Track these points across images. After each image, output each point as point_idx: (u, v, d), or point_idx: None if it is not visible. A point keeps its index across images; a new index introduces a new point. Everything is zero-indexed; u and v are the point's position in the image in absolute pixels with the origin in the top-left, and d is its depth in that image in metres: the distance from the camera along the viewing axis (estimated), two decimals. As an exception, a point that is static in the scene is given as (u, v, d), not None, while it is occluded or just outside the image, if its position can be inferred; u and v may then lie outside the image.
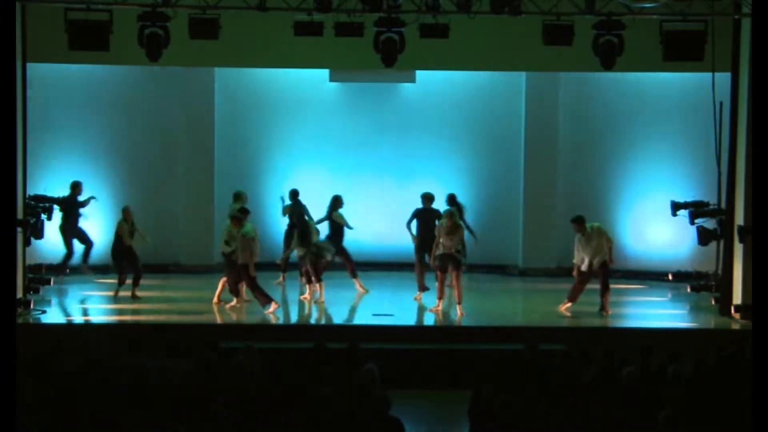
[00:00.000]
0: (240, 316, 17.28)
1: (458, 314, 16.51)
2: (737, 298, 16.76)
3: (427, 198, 18.28)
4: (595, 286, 17.23)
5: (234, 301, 17.04)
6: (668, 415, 9.96)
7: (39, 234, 17.09)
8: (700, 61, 16.66)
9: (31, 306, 16.70)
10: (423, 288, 17.90)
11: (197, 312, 16.78)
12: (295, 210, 18.58)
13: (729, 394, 11.08)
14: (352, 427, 10.36)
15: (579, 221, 16.87)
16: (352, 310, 17.39)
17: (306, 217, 18.17)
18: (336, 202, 18.58)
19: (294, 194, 19.06)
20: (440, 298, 16.82)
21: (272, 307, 16.64)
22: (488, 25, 17.25)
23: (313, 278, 17.67)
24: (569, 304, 16.90)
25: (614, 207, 20.24)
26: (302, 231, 17.74)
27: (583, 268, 16.74)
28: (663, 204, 19.23)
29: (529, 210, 21.24)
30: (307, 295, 17.89)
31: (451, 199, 18.71)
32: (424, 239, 17.82)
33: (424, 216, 18.14)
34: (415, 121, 21.54)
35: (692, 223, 18.15)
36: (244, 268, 16.72)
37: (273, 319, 16.36)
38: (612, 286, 17.02)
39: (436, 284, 16.90)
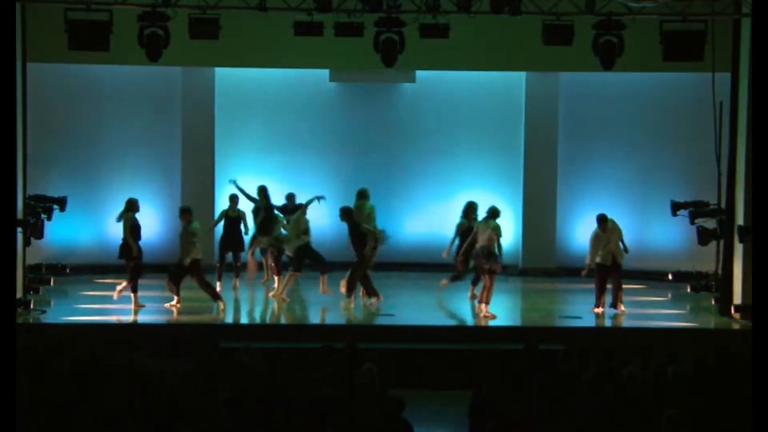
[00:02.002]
0: (240, 316, 17.33)
1: (489, 316, 16.55)
2: (737, 298, 16.76)
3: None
4: (590, 285, 17.29)
5: (174, 300, 17.01)
6: (671, 415, 9.97)
7: (39, 234, 17.08)
8: (700, 61, 16.66)
9: (31, 306, 16.69)
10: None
11: (197, 312, 16.78)
12: (262, 204, 18.60)
13: (729, 394, 11.08)
14: (354, 427, 10.37)
15: (604, 219, 16.92)
16: (352, 310, 17.35)
17: (274, 211, 18.44)
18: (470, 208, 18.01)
19: (262, 190, 18.85)
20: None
21: (221, 305, 16.85)
22: (488, 25, 17.28)
23: (274, 271, 17.98)
24: (601, 309, 16.89)
25: (614, 207, 20.19)
26: (264, 222, 18.06)
27: (601, 261, 16.78)
28: (663, 204, 19.23)
29: (529, 210, 21.23)
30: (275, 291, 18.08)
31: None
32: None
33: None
34: (415, 121, 21.53)
35: (692, 223, 18.13)
36: (195, 263, 16.78)
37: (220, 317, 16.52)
38: (611, 286, 17.04)
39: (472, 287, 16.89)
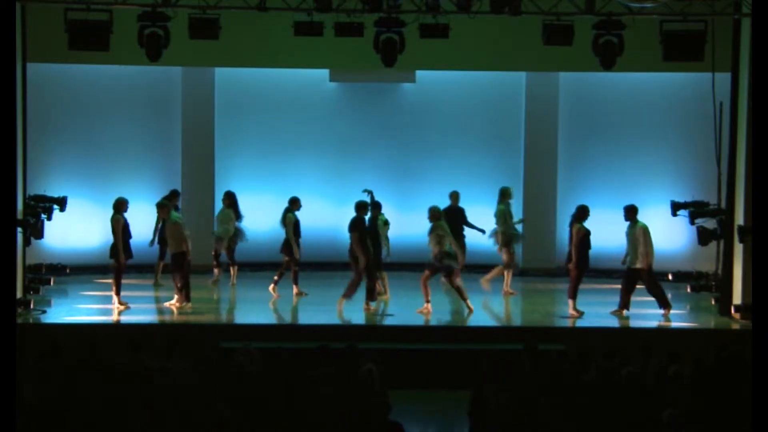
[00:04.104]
0: (240, 317, 17.33)
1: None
2: (737, 298, 16.76)
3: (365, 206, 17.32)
4: (590, 285, 17.31)
5: (187, 303, 17.06)
6: (671, 415, 9.98)
7: (39, 234, 17.08)
8: (700, 61, 16.66)
9: (31, 306, 16.70)
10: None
11: (197, 312, 16.78)
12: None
13: (729, 394, 11.09)
14: (351, 428, 10.37)
15: (630, 210, 16.91)
16: (352, 310, 17.34)
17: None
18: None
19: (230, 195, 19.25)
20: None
21: (187, 306, 16.83)
22: (488, 25, 17.27)
23: (229, 261, 18.95)
24: (623, 312, 16.86)
25: (614, 207, 20.19)
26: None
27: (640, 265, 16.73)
28: (663, 204, 19.23)
29: (529, 210, 21.21)
30: (216, 277, 18.93)
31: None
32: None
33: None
34: (415, 121, 21.53)
35: (692, 223, 18.14)
36: (180, 256, 16.79)
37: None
38: (612, 286, 17.04)
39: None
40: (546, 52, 17.50)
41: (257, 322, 16.49)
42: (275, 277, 18.17)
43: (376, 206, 17.38)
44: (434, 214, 16.94)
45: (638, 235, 16.65)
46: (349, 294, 16.94)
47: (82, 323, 16.02)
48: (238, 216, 19.07)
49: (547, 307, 17.89)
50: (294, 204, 18.26)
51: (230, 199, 19.10)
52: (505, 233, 18.61)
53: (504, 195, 18.73)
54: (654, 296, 16.87)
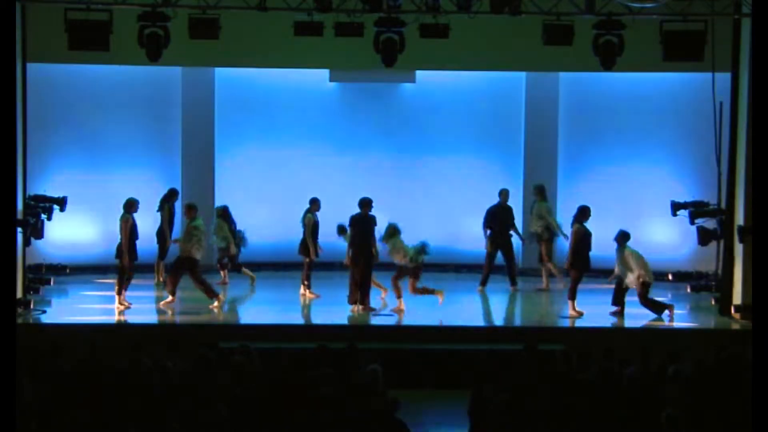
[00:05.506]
0: (240, 317, 17.34)
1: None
2: (737, 298, 16.77)
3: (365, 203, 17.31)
4: (590, 285, 17.30)
5: (169, 298, 17.05)
6: (670, 415, 9.98)
7: (39, 234, 17.09)
8: (700, 61, 16.67)
9: (31, 306, 16.70)
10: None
11: (197, 312, 16.78)
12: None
13: (729, 394, 11.09)
14: (354, 427, 10.38)
15: (621, 235, 16.92)
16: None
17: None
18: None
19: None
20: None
21: (220, 298, 16.98)
22: (488, 25, 17.28)
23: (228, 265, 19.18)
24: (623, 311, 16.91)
25: (614, 207, 20.22)
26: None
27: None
28: (663, 204, 19.23)
29: (529, 210, 21.18)
30: (251, 277, 19.12)
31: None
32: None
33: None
34: (415, 121, 21.52)
35: (692, 223, 18.14)
36: (190, 260, 16.84)
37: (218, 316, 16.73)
38: (612, 286, 17.04)
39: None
40: (546, 52, 17.51)
41: (257, 322, 16.50)
42: (305, 282, 18.24)
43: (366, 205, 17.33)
44: (390, 232, 16.96)
45: (627, 258, 16.67)
46: (362, 300, 16.94)
47: (82, 323, 16.01)
48: (231, 229, 19.08)
49: (547, 307, 17.89)
50: (314, 205, 18.29)
51: (221, 212, 19.15)
52: (550, 229, 19.09)
53: (542, 192, 19.19)
54: (650, 310, 16.82)
